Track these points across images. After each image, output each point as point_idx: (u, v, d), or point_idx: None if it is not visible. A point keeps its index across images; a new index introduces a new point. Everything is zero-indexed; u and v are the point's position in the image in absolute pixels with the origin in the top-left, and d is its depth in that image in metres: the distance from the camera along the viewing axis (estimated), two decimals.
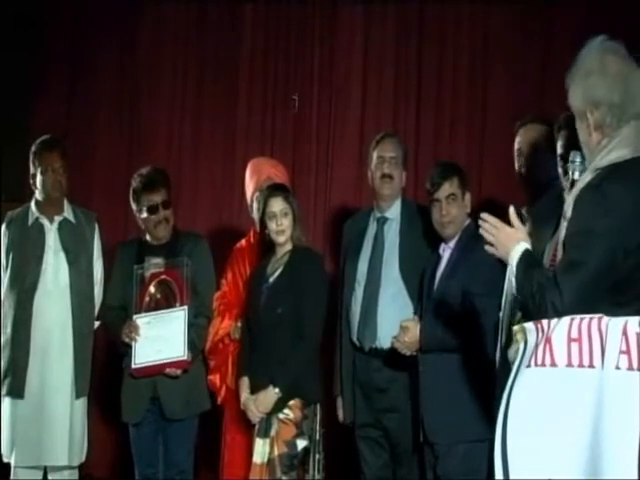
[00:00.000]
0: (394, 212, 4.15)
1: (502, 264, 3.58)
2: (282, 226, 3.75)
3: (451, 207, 3.72)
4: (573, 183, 2.53)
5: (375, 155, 4.15)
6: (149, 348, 4.01)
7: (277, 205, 3.76)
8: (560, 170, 3.28)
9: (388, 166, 4.11)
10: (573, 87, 2.52)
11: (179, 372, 4.00)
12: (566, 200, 2.53)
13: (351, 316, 4.08)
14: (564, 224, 2.42)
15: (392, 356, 3.81)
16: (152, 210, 4.09)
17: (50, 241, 4.28)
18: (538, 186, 3.62)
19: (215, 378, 4.09)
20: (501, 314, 3.46)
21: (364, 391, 4.04)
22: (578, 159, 2.53)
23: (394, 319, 3.77)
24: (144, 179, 4.12)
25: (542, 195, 3.57)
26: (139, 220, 4.17)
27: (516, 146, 3.72)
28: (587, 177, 2.43)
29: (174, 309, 4.04)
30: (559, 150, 3.28)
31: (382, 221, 4.14)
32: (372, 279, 4.05)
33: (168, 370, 3.99)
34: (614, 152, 2.42)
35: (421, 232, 4.01)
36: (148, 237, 4.19)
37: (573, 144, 3.04)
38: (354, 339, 4.06)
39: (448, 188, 3.73)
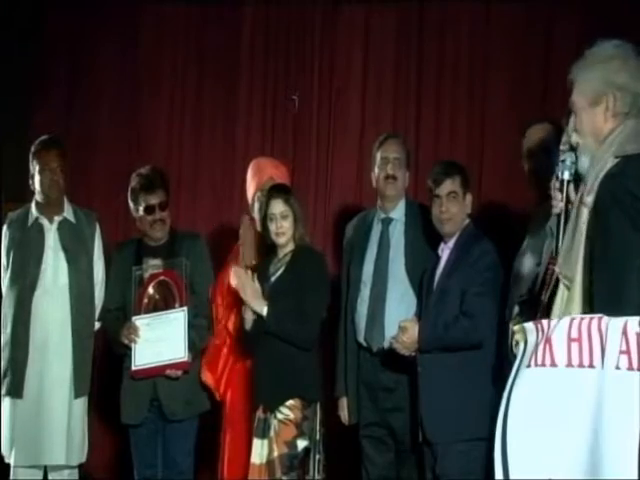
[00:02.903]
0: (399, 213, 4.16)
1: (500, 264, 3.63)
2: (282, 228, 3.76)
3: (451, 204, 3.72)
4: (563, 183, 2.54)
5: (379, 156, 4.15)
6: (149, 350, 4.01)
7: (277, 207, 3.76)
8: (560, 156, 3.27)
9: (392, 167, 4.11)
10: (587, 73, 2.55)
11: (179, 373, 4.01)
12: (554, 195, 2.55)
13: (357, 317, 4.07)
14: (584, 211, 2.41)
15: (393, 356, 3.80)
16: (148, 211, 4.10)
17: (50, 241, 4.28)
18: (546, 187, 3.62)
19: (206, 377, 4.07)
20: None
21: (370, 391, 4.04)
22: (569, 160, 2.54)
23: (402, 319, 3.77)
24: (142, 179, 4.13)
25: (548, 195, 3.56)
26: (137, 221, 4.17)
27: (524, 146, 3.72)
28: (607, 164, 2.43)
29: (173, 310, 4.04)
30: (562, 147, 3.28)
31: (387, 222, 4.15)
32: (378, 280, 4.06)
33: (168, 372, 4.00)
34: (629, 144, 2.45)
35: (426, 232, 4.00)
36: (146, 238, 4.19)
37: None
38: (360, 340, 4.06)
39: (449, 185, 3.74)
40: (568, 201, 2.55)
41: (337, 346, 4.19)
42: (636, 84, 2.52)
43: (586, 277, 2.41)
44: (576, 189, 2.54)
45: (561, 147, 3.22)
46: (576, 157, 2.55)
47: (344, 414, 4.15)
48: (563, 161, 2.55)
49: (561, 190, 2.54)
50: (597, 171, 2.44)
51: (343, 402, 4.16)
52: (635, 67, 2.52)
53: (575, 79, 2.57)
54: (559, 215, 2.54)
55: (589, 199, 2.41)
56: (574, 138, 2.57)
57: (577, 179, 2.55)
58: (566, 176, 2.54)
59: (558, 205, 2.53)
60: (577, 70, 2.58)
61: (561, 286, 2.47)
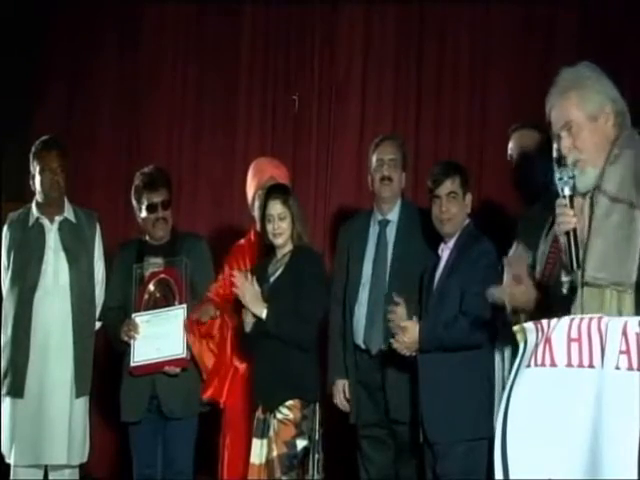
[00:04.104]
0: (396, 214, 4.16)
1: (499, 264, 3.63)
2: (279, 229, 3.76)
3: (451, 205, 3.72)
4: (566, 198, 2.55)
5: (374, 158, 4.16)
6: (148, 346, 4.02)
7: (275, 208, 3.76)
8: (556, 175, 3.28)
9: (387, 168, 4.11)
10: (581, 90, 2.59)
11: (178, 370, 4.01)
12: (563, 212, 2.54)
13: (355, 319, 4.07)
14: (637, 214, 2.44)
15: (393, 356, 3.80)
16: (151, 209, 4.12)
17: (50, 241, 4.28)
18: (530, 191, 3.63)
19: (206, 393, 4.05)
20: None
21: (369, 391, 4.04)
22: (566, 176, 2.55)
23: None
24: (146, 178, 4.16)
25: (535, 199, 3.58)
26: (139, 219, 4.19)
27: (508, 152, 3.74)
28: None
29: (173, 307, 4.06)
30: (555, 153, 3.28)
31: (384, 223, 4.15)
32: (377, 282, 4.05)
33: (167, 368, 4.01)
34: None
35: (425, 233, 4.00)
36: (148, 237, 4.21)
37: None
38: (359, 342, 4.05)
39: (449, 185, 3.74)
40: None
41: (330, 337, 4.13)
42: (620, 97, 2.61)
43: None
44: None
45: (554, 154, 3.25)
46: (572, 173, 2.56)
47: (341, 398, 4.05)
48: (561, 179, 2.55)
49: (570, 206, 2.53)
50: (636, 179, 2.46)
51: (339, 385, 4.06)
52: (613, 85, 2.62)
53: (564, 100, 2.61)
54: (568, 232, 2.52)
55: None
56: (573, 156, 2.58)
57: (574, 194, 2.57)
58: (566, 192, 2.54)
59: (571, 221, 2.51)
60: (561, 92, 2.62)
61: (607, 293, 2.46)
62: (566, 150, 2.60)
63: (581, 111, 2.58)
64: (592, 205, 2.55)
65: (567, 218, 2.53)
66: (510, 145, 3.72)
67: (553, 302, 2.63)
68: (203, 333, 4.04)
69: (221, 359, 4.07)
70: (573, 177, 2.54)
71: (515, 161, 3.66)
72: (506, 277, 3.09)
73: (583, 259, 2.49)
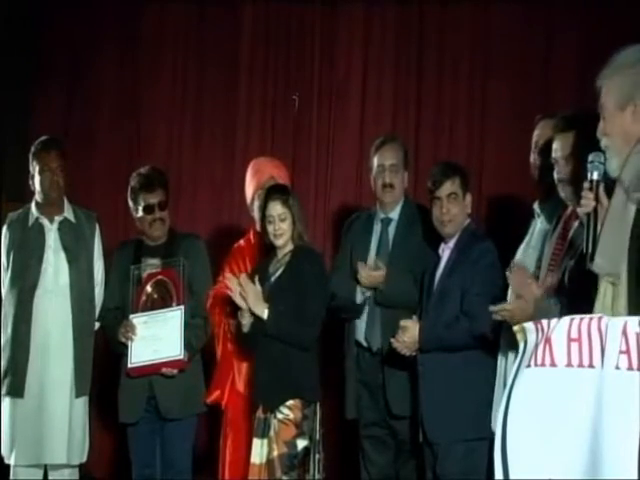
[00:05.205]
0: (397, 213, 4.18)
1: (500, 264, 3.63)
2: (280, 230, 3.76)
3: (452, 206, 3.72)
4: (592, 183, 2.55)
5: (375, 162, 4.16)
6: (145, 348, 4.01)
7: (275, 209, 3.76)
8: (556, 176, 3.27)
9: (389, 174, 4.12)
10: (615, 77, 2.57)
11: (175, 372, 4.01)
12: (585, 195, 2.55)
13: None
14: (632, 208, 2.43)
15: (394, 356, 3.81)
16: (148, 210, 4.11)
17: (50, 241, 4.28)
18: (549, 182, 3.61)
19: (214, 396, 4.06)
20: None
21: (370, 390, 4.05)
22: (597, 160, 2.55)
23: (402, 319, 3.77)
24: (142, 179, 4.14)
25: (552, 192, 3.56)
26: (136, 220, 4.18)
27: (534, 139, 3.72)
28: None
29: (170, 309, 4.04)
30: (553, 154, 3.27)
31: (386, 222, 4.17)
32: None
33: (164, 370, 4.00)
34: None
35: (425, 232, 4.00)
36: (145, 238, 4.20)
37: (570, 147, 3.06)
38: (360, 339, 4.06)
39: (450, 187, 3.74)
40: (597, 201, 2.56)
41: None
42: None
43: (631, 275, 2.42)
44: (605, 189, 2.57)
45: (553, 155, 3.23)
46: (604, 158, 2.56)
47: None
48: (592, 162, 2.56)
49: (591, 190, 2.55)
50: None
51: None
52: None
53: (604, 84, 2.60)
54: (589, 215, 2.54)
55: (637, 196, 2.43)
56: (603, 142, 2.59)
57: (605, 180, 2.57)
58: (595, 176, 2.56)
59: (590, 204, 2.54)
60: (605, 75, 2.60)
61: (603, 284, 2.48)
62: (599, 134, 2.61)
63: (612, 97, 2.58)
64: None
65: (586, 201, 2.55)
66: (536, 132, 3.69)
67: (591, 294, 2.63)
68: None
69: (223, 361, 4.07)
70: (604, 162, 2.55)
71: (540, 149, 3.64)
72: (510, 293, 3.12)
73: (593, 247, 2.51)
